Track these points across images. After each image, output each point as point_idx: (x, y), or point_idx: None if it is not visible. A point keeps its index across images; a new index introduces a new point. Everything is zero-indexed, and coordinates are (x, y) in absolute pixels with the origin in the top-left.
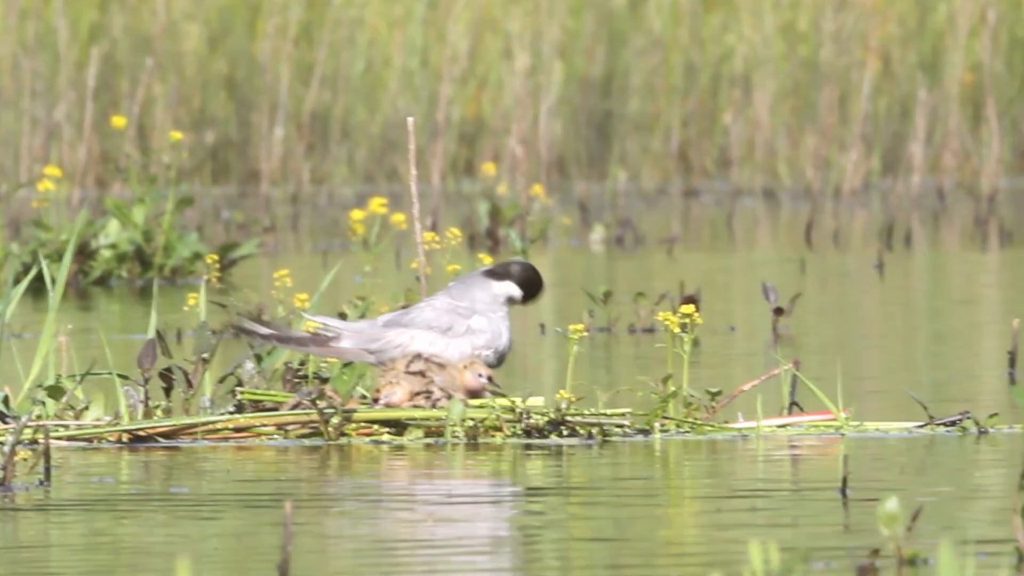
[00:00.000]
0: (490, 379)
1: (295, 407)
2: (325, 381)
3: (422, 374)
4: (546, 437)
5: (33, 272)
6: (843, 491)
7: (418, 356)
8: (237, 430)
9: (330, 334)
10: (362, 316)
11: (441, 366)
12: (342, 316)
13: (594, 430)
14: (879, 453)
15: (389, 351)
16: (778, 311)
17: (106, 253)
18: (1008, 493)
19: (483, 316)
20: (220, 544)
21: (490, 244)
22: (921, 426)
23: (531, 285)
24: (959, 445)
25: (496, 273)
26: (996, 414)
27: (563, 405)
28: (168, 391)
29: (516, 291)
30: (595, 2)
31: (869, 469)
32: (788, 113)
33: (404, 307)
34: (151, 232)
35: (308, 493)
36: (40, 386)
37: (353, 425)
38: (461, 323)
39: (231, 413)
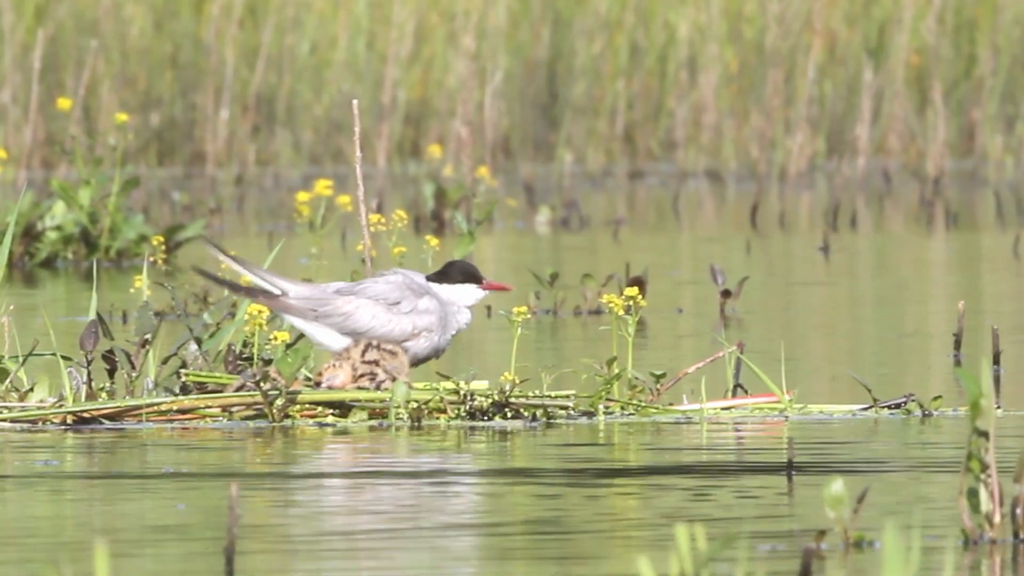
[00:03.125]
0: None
1: (239, 389)
2: (269, 363)
3: (375, 363)
4: (490, 419)
5: None
6: (789, 473)
7: (371, 346)
8: (182, 412)
9: (285, 289)
10: None
11: (392, 353)
12: None
13: (538, 412)
14: (824, 435)
15: (334, 316)
16: (725, 293)
17: (52, 235)
18: (953, 476)
19: (434, 301)
20: (170, 522)
21: (436, 226)
22: (865, 408)
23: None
24: (903, 427)
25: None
26: (940, 397)
27: (507, 387)
28: (112, 373)
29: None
30: None
31: (815, 451)
32: (733, 95)
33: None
34: (97, 214)
35: (254, 473)
36: None
37: (297, 407)
38: (410, 301)
39: (176, 395)
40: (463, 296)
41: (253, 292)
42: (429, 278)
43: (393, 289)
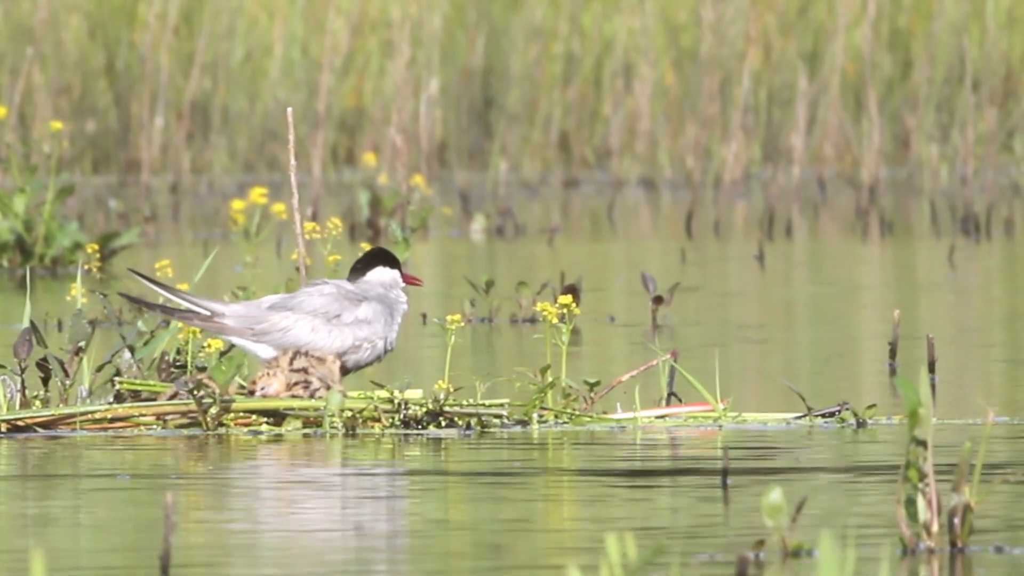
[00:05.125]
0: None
1: (173, 397)
2: (203, 371)
3: (304, 371)
4: (424, 428)
5: None
6: (724, 482)
7: (299, 354)
8: (116, 420)
9: (216, 310)
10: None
11: (321, 360)
12: None
13: (472, 420)
14: (758, 443)
15: (273, 333)
16: (657, 300)
17: None
18: (890, 484)
19: (375, 303)
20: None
21: (371, 234)
22: (800, 417)
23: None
24: (838, 436)
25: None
26: (874, 405)
27: (441, 396)
28: (46, 381)
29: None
30: None
31: (749, 460)
32: (668, 103)
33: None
34: (32, 221)
35: (187, 481)
36: None
37: (232, 415)
38: (350, 312)
39: (110, 403)
40: (394, 278)
41: (187, 315)
42: (355, 269)
43: (331, 301)
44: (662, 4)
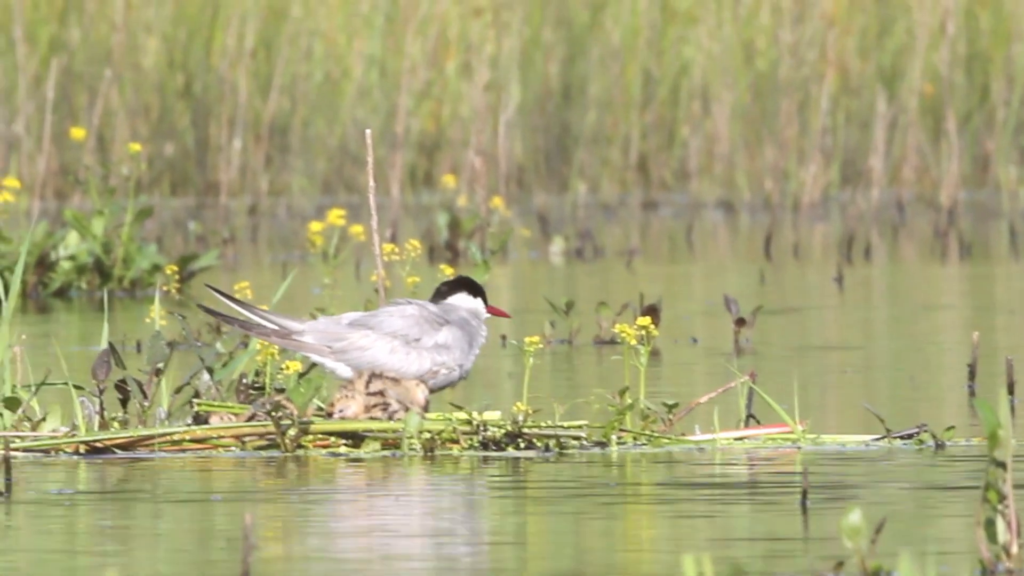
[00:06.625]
0: (427, 403)
1: (251, 418)
2: (281, 392)
3: (381, 394)
4: (503, 449)
5: None
6: (803, 503)
7: (375, 376)
8: (194, 441)
9: (294, 328)
10: None
11: (396, 381)
12: None
13: (551, 442)
14: (837, 465)
15: (351, 351)
16: (740, 322)
17: (65, 265)
18: (968, 505)
19: (456, 329)
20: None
21: (450, 256)
22: (878, 439)
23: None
24: (916, 457)
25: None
26: (953, 427)
27: (520, 417)
28: (124, 402)
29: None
30: (554, 14)
31: (828, 481)
32: (747, 125)
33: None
34: (110, 244)
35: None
36: None
37: (310, 437)
38: (430, 335)
39: (188, 424)
40: (476, 307)
41: (266, 331)
42: (439, 292)
43: (412, 324)
44: (740, 26)
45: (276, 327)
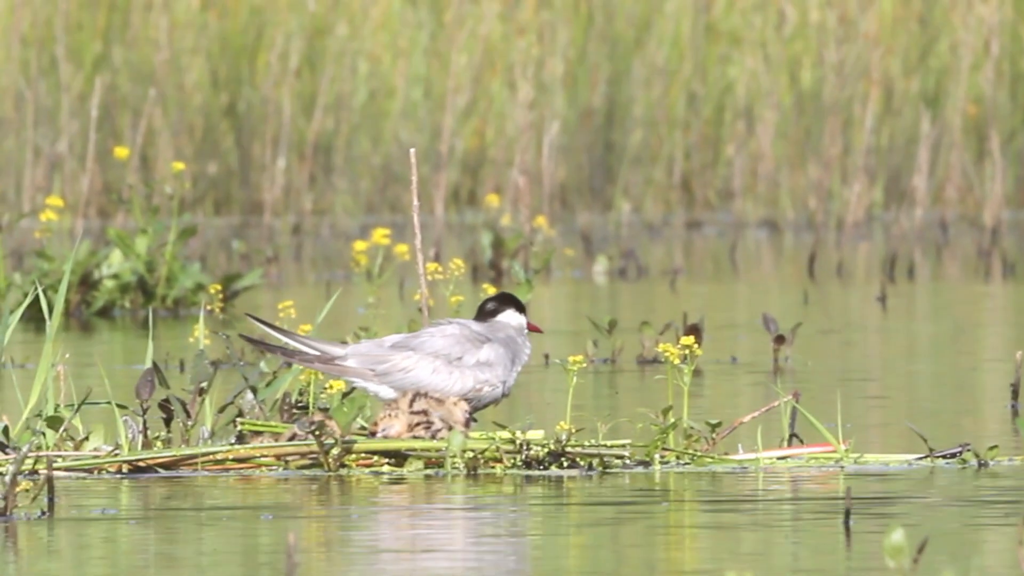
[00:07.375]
0: (468, 422)
1: (293, 438)
2: (325, 412)
3: (425, 412)
4: (546, 468)
5: (28, 300)
6: (846, 522)
7: (419, 395)
8: (237, 460)
9: (336, 353)
10: None
11: (440, 401)
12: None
13: (594, 461)
14: (880, 485)
15: (394, 374)
16: (779, 339)
17: (109, 283)
18: (1011, 525)
19: (499, 346)
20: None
21: (493, 275)
22: (921, 458)
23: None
24: (960, 477)
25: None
26: (996, 446)
27: (563, 436)
28: (167, 421)
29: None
30: (598, 33)
31: (871, 500)
32: (790, 145)
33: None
34: (154, 262)
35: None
36: (39, 416)
37: (353, 456)
38: (472, 354)
39: (232, 444)
40: (521, 324)
41: (308, 359)
42: (487, 310)
43: (453, 343)
44: (784, 45)
45: (318, 353)
